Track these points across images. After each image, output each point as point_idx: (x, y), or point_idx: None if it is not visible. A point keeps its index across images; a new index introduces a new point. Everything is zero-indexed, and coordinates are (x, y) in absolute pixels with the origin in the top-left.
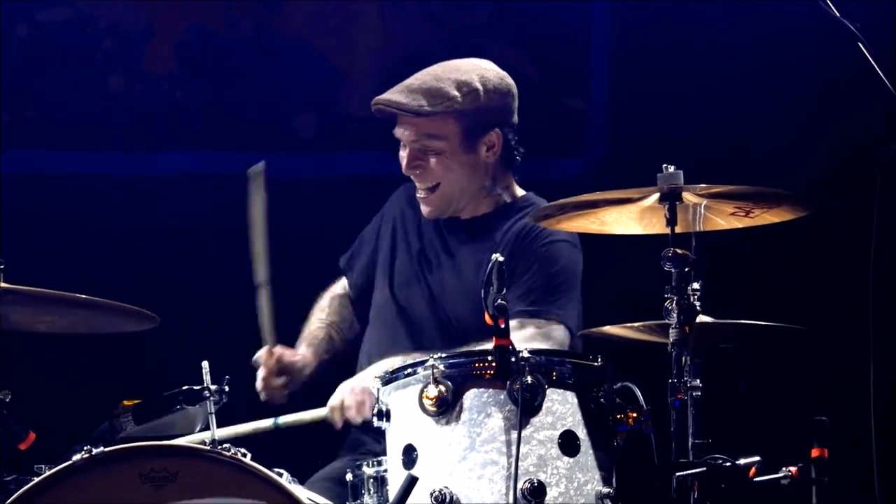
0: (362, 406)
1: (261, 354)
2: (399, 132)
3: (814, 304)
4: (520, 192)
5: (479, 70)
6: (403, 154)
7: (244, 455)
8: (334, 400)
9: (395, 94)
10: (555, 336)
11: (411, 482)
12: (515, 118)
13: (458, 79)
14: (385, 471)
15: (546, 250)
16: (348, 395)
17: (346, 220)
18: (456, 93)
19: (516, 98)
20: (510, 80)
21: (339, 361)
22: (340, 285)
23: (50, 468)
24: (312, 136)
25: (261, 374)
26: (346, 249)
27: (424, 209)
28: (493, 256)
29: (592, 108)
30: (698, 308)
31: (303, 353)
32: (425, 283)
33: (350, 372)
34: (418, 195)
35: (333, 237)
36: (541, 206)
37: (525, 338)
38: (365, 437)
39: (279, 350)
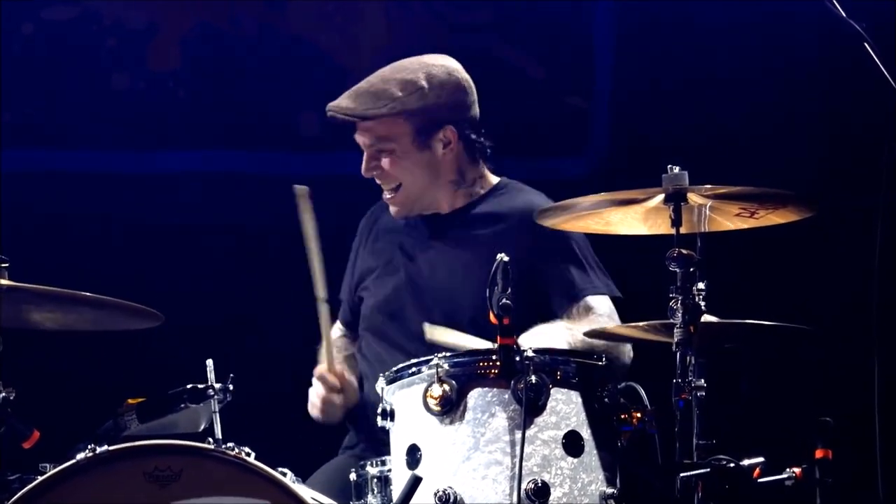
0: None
1: (323, 371)
2: (357, 137)
3: (818, 304)
4: (494, 179)
5: (426, 67)
6: (364, 158)
7: (248, 454)
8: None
9: (343, 100)
10: (604, 309)
11: (415, 482)
12: (473, 112)
13: (403, 78)
14: (389, 470)
15: (554, 234)
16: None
17: (350, 220)
18: (399, 93)
19: (471, 91)
20: (461, 75)
21: None
22: (337, 328)
23: (54, 467)
24: (316, 134)
25: (321, 390)
26: (348, 249)
27: (392, 209)
28: (499, 256)
29: (596, 108)
30: (703, 308)
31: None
32: (410, 284)
33: None
34: (384, 196)
35: (337, 237)
36: (520, 189)
37: (590, 322)
38: (367, 439)
39: (340, 368)
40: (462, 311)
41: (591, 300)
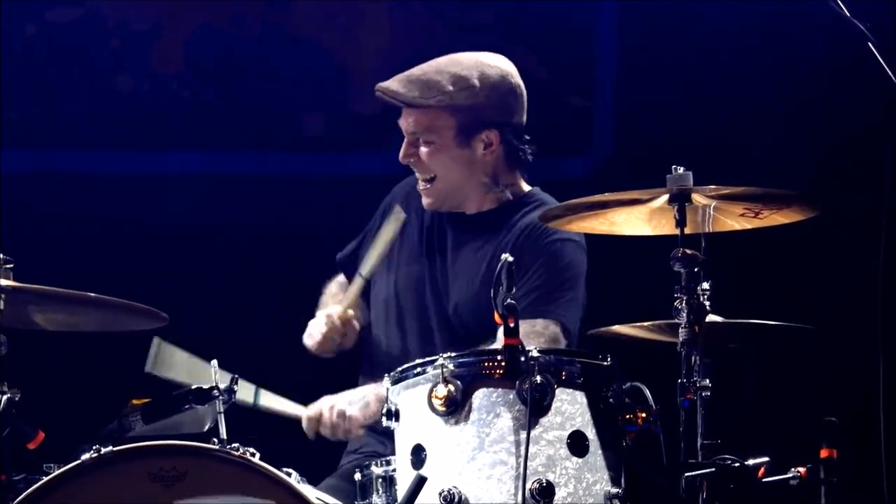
0: (337, 428)
1: (336, 313)
2: (401, 121)
3: (822, 303)
4: (526, 187)
5: (481, 66)
6: (404, 142)
7: (253, 454)
8: (312, 411)
9: (393, 83)
10: (548, 333)
11: (420, 482)
12: (521, 118)
13: (456, 73)
14: (394, 470)
15: (552, 249)
16: (326, 411)
17: (354, 220)
18: (451, 87)
19: (522, 98)
20: (515, 80)
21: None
22: (337, 282)
23: (59, 467)
24: (320, 135)
25: (324, 328)
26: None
27: (424, 200)
28: (503, 256)
29: (599, 108)
30: (708, 308)
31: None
32: (429, 279)
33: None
34: (419, 186)
35: (341, 236)
36: (546, 202)
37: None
38: (368, 438)
39: (352, 315)
40: (470, 314)
41: (540, 321)
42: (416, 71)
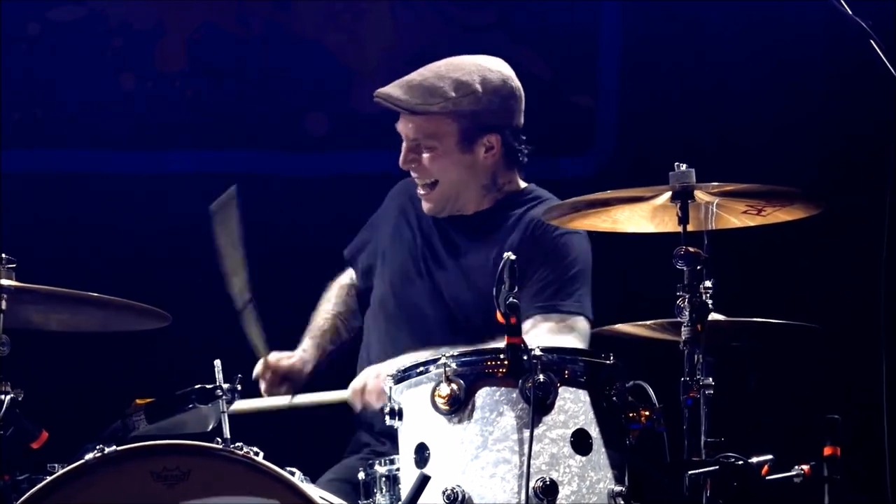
0: (383, 393)
1: (258, 368)
2: (399, 126)
3: (825, 301)
4: (522, 184)
5: (482, 71)
6: (403, 149)
7: (256, 454)
8: (357, 383)
9: (394, 89)
10: (579, 328)
11: (423, 481)
12: (519, 120)
13: (458, 78)
14: (397, 469)
15: (559, 243)
16: (372, 380)
17: (357, 219)
18: (453, 93)
19: (521, 100)
20: (515, 83)
21: (351, 349)
22: (347, 275)
23: (62, 467)
24: (323, 134)
25: (263, 387)
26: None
27: (424, 205)
28: (505, 255)
29: (602, 106)
30: (710, 306)
31: (302, 351)
32: (429, 279)
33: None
34: (418, 191)
35: (344, 235)
36: (544, 197)
37: (547, 332)
38: (370, 440)
39: (274, 359)
40: (475, 314)
41: (567, 317)
42: (416, 76)
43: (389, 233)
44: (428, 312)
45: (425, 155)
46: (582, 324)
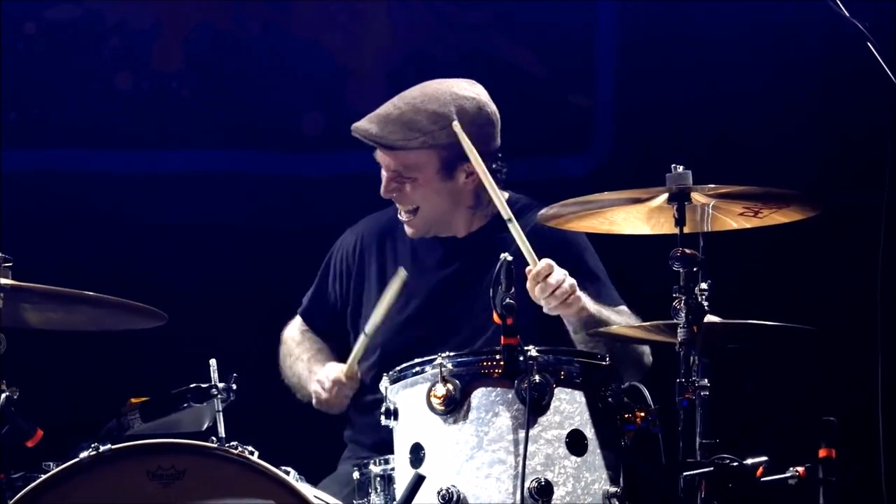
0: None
1: (342, 374)
2: (378, 157)
3: (821, 303)
4: (505, 194)
5: (458, 100)
6: (383, 176)
7: (251, 453)
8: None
9: (372, 125)
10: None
11: (418, 481)
12: (496, 143)
13: (434, 111)
14: (392, 469)
15: (567, 237)
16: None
17: (353, 219)
18: (432, 127)
19: (497, 123)
20: (490, 108)
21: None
22: (298, 329)
23: (57, 465)
24: (319, 134)
25: (335, 386)
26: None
27: (408, 230)
28: (502, 256)
29: (598, 106)
30: (706, 308)
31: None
32: (426, 303)
33: None
34: (400, 217)
35: (341, 235)
36: (527, 202)
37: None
38: (364, 452)
39: (356, 369)
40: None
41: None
42: (393, 110)
43: (377, 273)
44: (430, 336)
45: (407, 185)
46: (626, 310)
